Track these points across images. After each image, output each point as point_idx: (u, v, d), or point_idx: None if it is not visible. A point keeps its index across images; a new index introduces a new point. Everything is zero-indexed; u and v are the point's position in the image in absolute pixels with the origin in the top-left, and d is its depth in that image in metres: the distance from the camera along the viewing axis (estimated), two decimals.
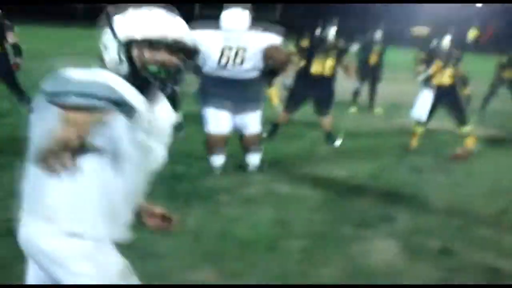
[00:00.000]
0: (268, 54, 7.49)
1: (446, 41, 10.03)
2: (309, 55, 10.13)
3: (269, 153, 8.90)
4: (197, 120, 11.18)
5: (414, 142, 10.17)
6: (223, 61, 7.55)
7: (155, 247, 5.37)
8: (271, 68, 7.66)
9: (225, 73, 7.62)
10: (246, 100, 7.74)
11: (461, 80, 10.20)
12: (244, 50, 7.52)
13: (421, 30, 68.95)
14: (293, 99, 10.27)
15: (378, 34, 14.75)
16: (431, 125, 10.40)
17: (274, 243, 5.63)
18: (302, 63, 10.12)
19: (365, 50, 14.66)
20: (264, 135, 9.67)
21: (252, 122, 7.89)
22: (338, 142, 10.17)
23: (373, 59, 14.60)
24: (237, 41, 7.53)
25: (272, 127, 10.19)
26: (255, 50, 7.51)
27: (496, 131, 12.49)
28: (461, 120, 10.01)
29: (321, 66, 10.06)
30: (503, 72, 15.17)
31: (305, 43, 10.54)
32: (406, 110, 14.07)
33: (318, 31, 10.35)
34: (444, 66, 9.89)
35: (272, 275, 4.96)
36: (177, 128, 9.44)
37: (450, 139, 11.03)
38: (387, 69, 15.56)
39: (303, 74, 10.11)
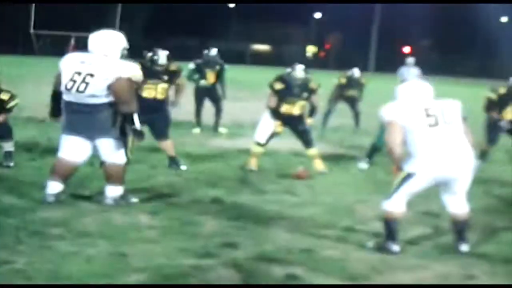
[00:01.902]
0: (113, 88, 7.23)
1: (299, 70, 10.00)
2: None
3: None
4: (28, 147, 10.73)
5: (254, 163, 10.05)
6: (69, 85, 7.26)
7: None
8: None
9: (72, 98, 7.31)
10: (94, 127, 7.37)
11: (311, 109, 10.27)
12: (91, 75, 7.22)
13: (261, 48, 70.55)
14: None
15: (214, 53, 14.68)
16: (273, 145, 10.34)
17: (111, 279, 5.24)
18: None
19: (200, 70, 14.49)
20: (97, 165, 9.28)
21: (108, 151, 7.48)
22: (183, 166, 9.84)
23: (210, 78, 14.46)
24: (89, 66, 7.26)
25: None
26: (101, 77, 7.21)
27: (336, 148, 12.63)
28: (307, 143, 10.17)
29: (153, 90, 9.70)
30: (343, 91, 15.67)
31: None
32: (249, 128, 14.14)
33: (148, 54, 9.90)
34: (297, 99, 9.93)
35: None
36: (7, 156, 9.06)
37: (293, 158, 11.07)
38: (230, 87, 15.54)
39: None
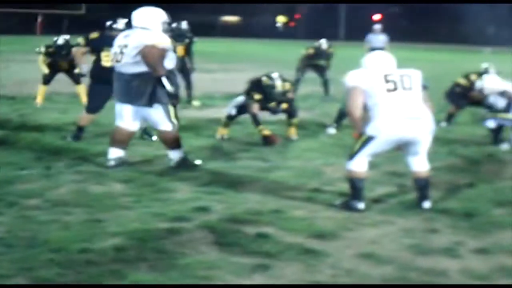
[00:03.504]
0: (141, 56, 7.76)
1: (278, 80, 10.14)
2: (97, 47, 9.62)
3: (77, 152, 8.79)
4: (1, 124, 10.86)
5: (224, 132, 10.33)
6: (112, 56, 8.12)
7: None
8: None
9: (116, 68, 8.08)
10: (129, 95, 7.97)
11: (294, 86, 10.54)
12: (125, 46, 7.90)
13: (231, 19, 70.39)
14: (93, 99, 9.72)
15: (184, 26, 14.72)
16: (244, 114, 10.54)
17: (88, 244, 5.44)
18: (93, 57, 9.66)
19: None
20: (69, 139, 9.62)
21: (153, 119, 8.13)
22: (154, 137, 9.98)
23: (180, 51, 14.49)
24: (126, 38, 7.99)
25: (77, 130, 9.76)
26: (131, 47, 7.84)
27: (306, 115, 12.85)
28: (291, 115, 10.41)
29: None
30: (311, 61, 15.95)
31: (94, 35, 9.76)
32: (220, 99, 14.39)
33: (108, 25, 9.92)
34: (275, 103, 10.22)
35: (86, 276, 4.80)
36: None
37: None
38: (200, 60, 15.66)
39: (97, 69, 9.59)
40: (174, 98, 8.18)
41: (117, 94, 8.17)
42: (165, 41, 7.93)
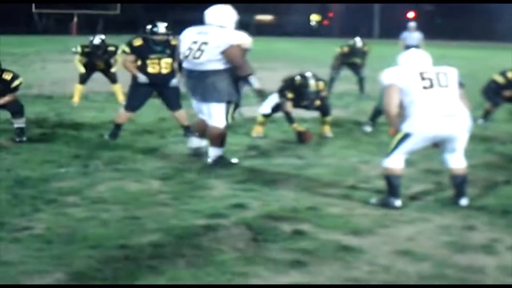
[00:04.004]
0: (225, 55, 7.85)
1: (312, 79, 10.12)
2: (143, 55, 9.57)
3: (114, 150, 8.93)
4: (39, 123, 10.98)
5: (260, 130, 10.37)
6: (186, 53, 8.02)
7: (2, 254, 5.16)
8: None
9: (189, 65, 8.09)
10: (202, 91, 8.06)
11: (328, 86, 10.50)
12: (205, 44, 7.90)
13: (265, 18, 70.38)
14: (134, 98, 9.78)
15: None
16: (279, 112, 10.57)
17: (125, 240, 5.50)
18: (138, 62, 9.55)
19: None
20: (106, 137, 9.77)
21: (210, 114, 8.14)
22: (196, 134, 10.04)
23: None
24: (204, 35, 7.98)
25: (115, 128, 9.81)
26: (214, 45, 7.87)
27: (341, 113, 12.82)
28: (325, 113, 10.45)
29: (157, 66, 9.58)
30: (346, 59, 15.91)
31: (138, 42, 9.65)
32: (255, 98, 14.33)
33: (148, 26, 9.72)
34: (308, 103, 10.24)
35: (125, 272, 4.85)
36: (20, 132, 9.25)
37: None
38: None
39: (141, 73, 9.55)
40: (261, 95, 8.48)
41: (194, 91, 8.20)
42: (248, 41, 8.06)
